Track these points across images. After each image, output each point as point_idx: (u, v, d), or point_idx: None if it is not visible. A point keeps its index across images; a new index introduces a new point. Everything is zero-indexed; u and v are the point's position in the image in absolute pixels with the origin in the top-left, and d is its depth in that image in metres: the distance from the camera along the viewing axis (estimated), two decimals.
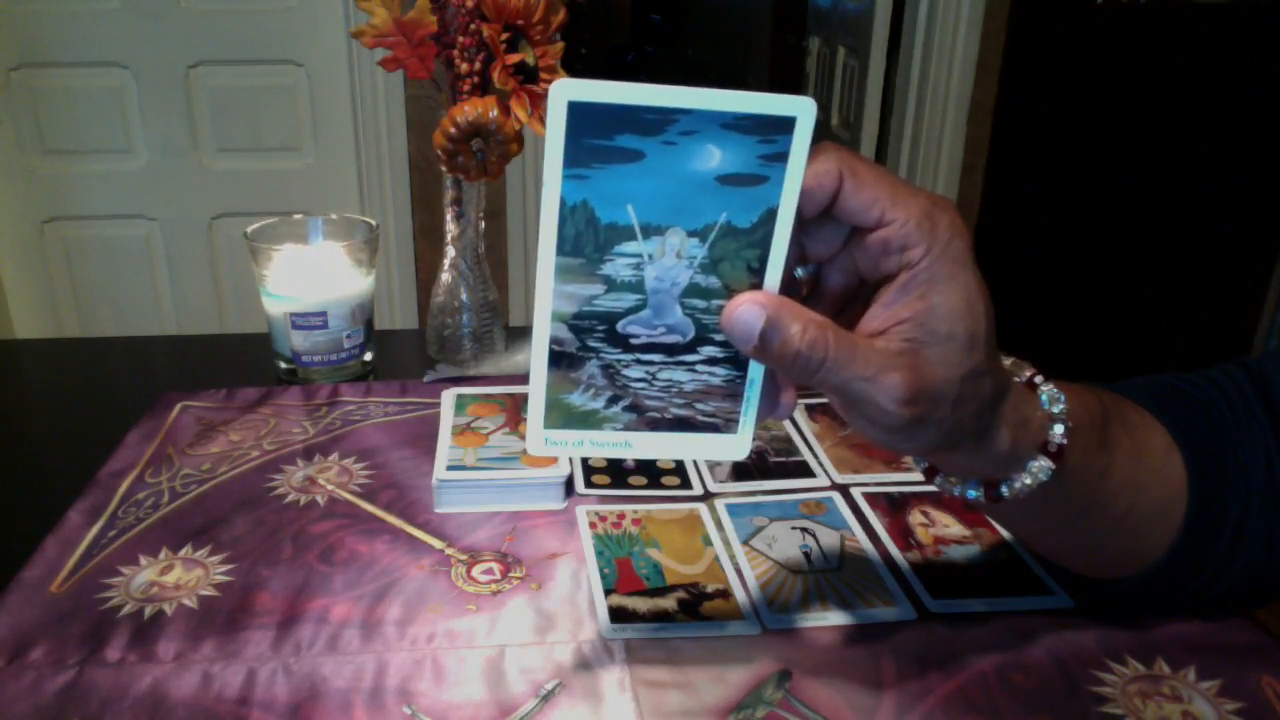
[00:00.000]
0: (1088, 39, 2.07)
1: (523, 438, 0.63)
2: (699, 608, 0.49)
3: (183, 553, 0.53)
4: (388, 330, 0.86)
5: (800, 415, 0.70)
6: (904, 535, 0.55)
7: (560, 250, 0.33)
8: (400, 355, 0.82)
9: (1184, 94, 2.04)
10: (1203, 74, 2.01)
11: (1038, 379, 0.40)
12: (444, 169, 0.69)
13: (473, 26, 0.64)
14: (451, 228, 0.75)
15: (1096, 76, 2.09)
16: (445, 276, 0.76)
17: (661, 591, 0.50)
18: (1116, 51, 2.06)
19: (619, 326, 0.35)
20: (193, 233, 2.06)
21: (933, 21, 2.10)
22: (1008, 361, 0.40)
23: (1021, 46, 2.10)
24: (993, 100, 2.15)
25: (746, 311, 0.34)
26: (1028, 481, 0.39)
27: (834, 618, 0.48)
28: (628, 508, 0.58)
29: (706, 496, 0.59)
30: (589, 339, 0.35)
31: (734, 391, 0.37)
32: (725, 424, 0.38)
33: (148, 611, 0.48)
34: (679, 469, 0.62)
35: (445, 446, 0.61)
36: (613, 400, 0.37)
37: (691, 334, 0.36)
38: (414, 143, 2.01)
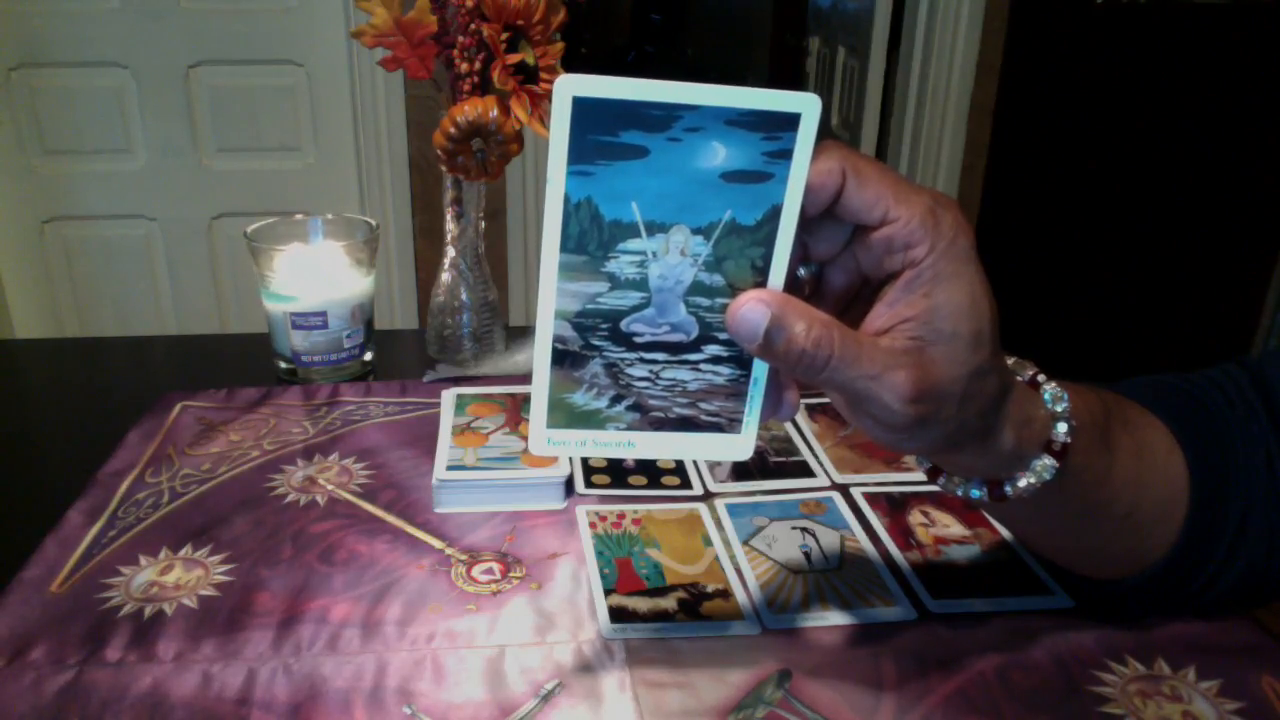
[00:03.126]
0: (1088, 39, 2.07)
1: (523, 438, 0.63)
2: (699, 608, 0.49)
3: (183, 553, 0.53)
4: (388, 330, 0.85)
5: (800, 415, 0.70)
6: (904, 535, 0.55)
7: (564, 247, 0.33)
8: (400, 355, 0.82)
9: (1184, 94, 2.04)
10: (1203, 74, 2.01)
11: (1040, 378, 0.40)
12: (444, 169, 0.68)
13: (473, 26, 0.64)
14: (451, 228, 0.75)
15: (1096, 76, 2.09)
16: (445, 276, 0.76)
17: (661, 591, 0.50)
18: (1116, 51, 2.06)
19: (622, 325, 0.35)
20: (193, 233, 2.06)
21: (933, 21, 2.10)
22: (1010, 361, 0.40)
23: (1021, 46, 2.10)
24: (993, 100, 2.15)
25: (751, 310, 0.34)
26: (1031, 480, 0.39)
27: (834, 618, 0.48)
28: (628, 508, 0.58)
29: (706, 496, 0.59)
30: (592, 337, 0.35)
31: (738, 391, 0.37)
32: (729, 424, 0.38)
33: (148, 611, 0.48)
34: (679, 469, 0.62)
35: (445, 446, 0.61)
36: (616, 399, 0.37)
37: (695, 333, 0.36)
38: (414, 143, 2.01)
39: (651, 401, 0.37)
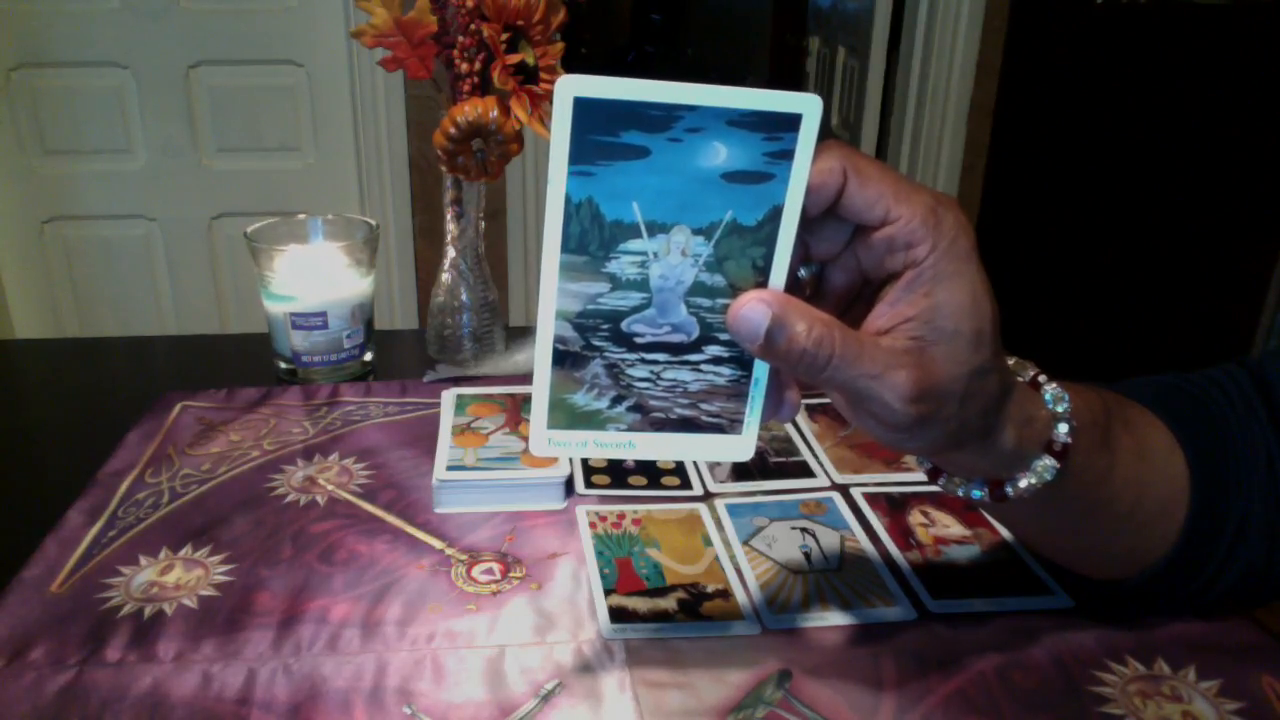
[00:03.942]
0: (1088, 39, 2.07)
1: (523, 438, 0.63)
2: (699, 608, 0.49)
3: (183, 553, 0.53)
4: (388, 330, 0.85)
5: (800, 416, 0.70)
6: (904, 535, 0.55)
7: (565, 248, 0.33)
8: (400, 355, 0.82)
9: (1184, 94, 2.04)
10: (1203, 74, 2.01)
11: (1041, 378, 0.40)
12: (444, 169, 0.68)
13: (473, 26, 0.64)
14: (451, 228, 0.75)
15: (1096, 76, 2.09)
16: (445, 276, 0.76)
17: (661, 591, 0.50)
18: (1116, 51, 2.06)
19: (623, 325, 0.35)
20: (193, 233, 2.06)
21: (933, 21, 2.10)
22: (1011, 361, 0.40)
23: (1021, 46, 2.10)
24: (993, 100, 2.15)
25: (752, 310, 0.34)
26: (1032, 481, 0.39)
27: (834, 618, 0.48)
28: (628, 508, 0.57)
29: (706, 496, 0.59)
30: (593, 338, 0.35)
31: (739, 391, 0.37)
32: (730, 424, 0.38)
33: (148, 611, 0.48)
34: (679, 469, 0.62)
35: (445, 446, 0.61)
36: (616, 400, 0.37)
37: (696, 333, 0.36)
38: (414, 143, 2.01)
39: (652, 402, 0.37)
